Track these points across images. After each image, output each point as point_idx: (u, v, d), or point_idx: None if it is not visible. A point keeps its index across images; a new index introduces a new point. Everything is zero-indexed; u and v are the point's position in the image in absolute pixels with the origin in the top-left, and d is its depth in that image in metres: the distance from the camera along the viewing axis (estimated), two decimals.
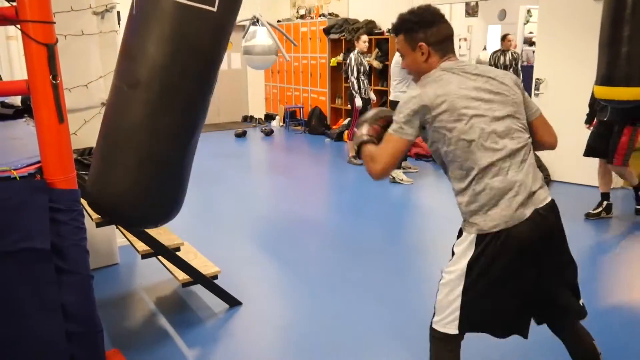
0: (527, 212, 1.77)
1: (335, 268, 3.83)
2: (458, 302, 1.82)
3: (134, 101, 2.22)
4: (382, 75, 8.62)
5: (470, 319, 1.84)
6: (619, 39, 3.22)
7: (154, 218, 2.52)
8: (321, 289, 3.48)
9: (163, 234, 3.15)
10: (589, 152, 4.69)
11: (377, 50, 8.50)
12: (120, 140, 2.29)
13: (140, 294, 3.47)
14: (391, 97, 6.37)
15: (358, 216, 5.05)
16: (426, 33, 1.86)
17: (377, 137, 1.95)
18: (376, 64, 8.38)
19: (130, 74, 2.20)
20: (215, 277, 3.19)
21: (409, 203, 5.58)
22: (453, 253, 1.89)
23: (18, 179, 1.78)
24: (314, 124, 9.54)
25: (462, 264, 1.82)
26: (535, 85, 5.97)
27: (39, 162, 1.86)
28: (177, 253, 3.00)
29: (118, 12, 3.92)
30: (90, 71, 3.66)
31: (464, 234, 1.85)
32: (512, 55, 7.93)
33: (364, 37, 6.90)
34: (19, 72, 4.98)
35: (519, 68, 7.94)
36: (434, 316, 1.92)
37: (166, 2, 2.10)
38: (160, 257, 3.06)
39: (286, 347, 2.88)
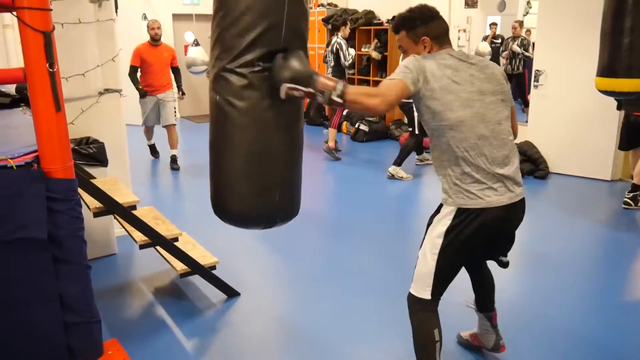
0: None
1: (334, 259, 3.83)
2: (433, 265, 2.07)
3: None
4: (380, 66, 8.59)
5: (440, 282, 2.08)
6: (620, 30, 3.20)
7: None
8: (319, 280, 3.48)
9: (161, 224, 3.14)
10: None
11: (376, 40, 8.45)
12: None
13: (138, 284, 3.47)
14: None
15: (357, 208, 5.04)
16: (427, 27, 2.05)
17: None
18: (375, 54, 8.33)
19: None
20: (214, 267, 3.19)
21: (410, 196, 5.57)
22: None
23: (15, 168, 1.77)
24: (313, 115, 9.49)
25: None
26: (535, 76, 5.95)
27: (35, 151, 1.84)
28: (176, 243, 2.99)
29: (115, 1, 3.89)
30: (87, 60, 3.63)
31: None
32: (521, 41, 8.67)
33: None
34: (16, 63, 4.95)
35: (530, 54, 8.29)
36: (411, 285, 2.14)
37: None
38: (158, 247, 3.05)
39: (284, 337, 2.88)
